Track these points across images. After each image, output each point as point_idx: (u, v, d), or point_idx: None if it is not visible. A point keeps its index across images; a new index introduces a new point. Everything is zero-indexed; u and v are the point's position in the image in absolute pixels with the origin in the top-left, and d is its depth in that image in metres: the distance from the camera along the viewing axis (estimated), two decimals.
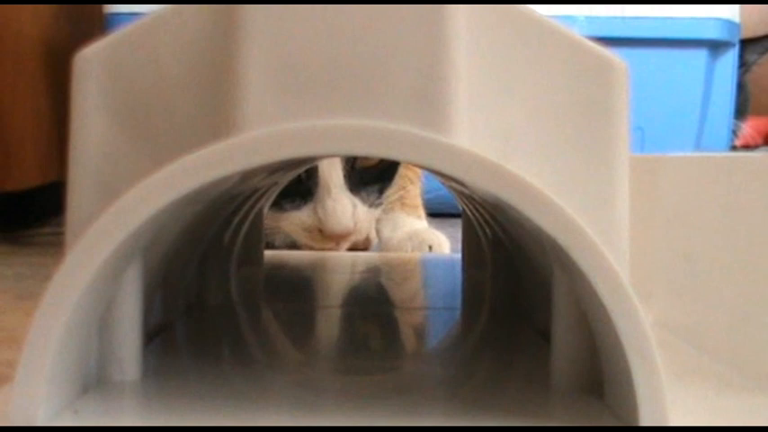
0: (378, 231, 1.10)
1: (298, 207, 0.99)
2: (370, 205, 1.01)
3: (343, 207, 0.97)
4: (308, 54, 0.33)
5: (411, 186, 1.12)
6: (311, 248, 0.99)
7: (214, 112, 0.34)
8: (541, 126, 0.35)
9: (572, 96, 0.35)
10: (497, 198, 0.31)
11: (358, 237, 1.00)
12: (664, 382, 0.31)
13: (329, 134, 0.31)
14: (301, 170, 0.87)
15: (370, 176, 1.01)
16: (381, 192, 1.03)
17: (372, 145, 0.30)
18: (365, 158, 1.00)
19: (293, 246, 1.01)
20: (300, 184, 0.96)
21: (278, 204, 0.98)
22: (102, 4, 1.43)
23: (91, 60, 0.36)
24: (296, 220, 0.99)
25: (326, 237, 0.97)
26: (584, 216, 0.31)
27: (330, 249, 0.98)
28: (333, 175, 0.97)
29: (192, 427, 0.32)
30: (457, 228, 0.79)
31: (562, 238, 0.31)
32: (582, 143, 0.35)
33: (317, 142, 0.31)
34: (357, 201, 0.99)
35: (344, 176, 0.98)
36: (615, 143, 0.36)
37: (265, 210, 0.78)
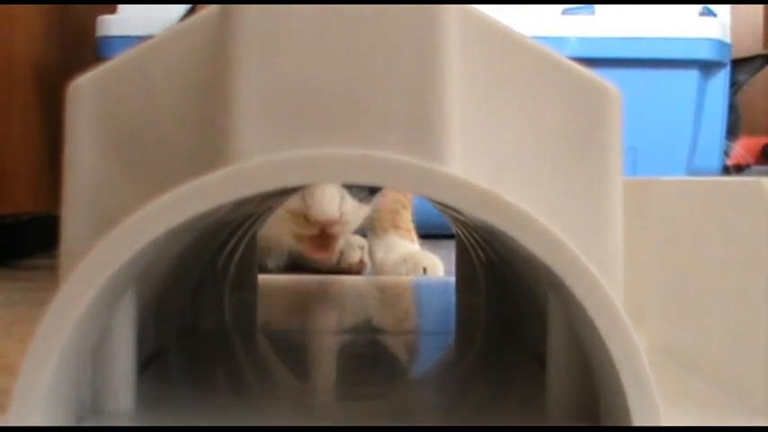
0: (371, 254, 1.10)
1: (288, 193, 0.98)
2: (360, 200, 0.99)
3: (330, 195, 0.95)
4: (301, 83, 0.33)
5: (403, 211, 1.12)
6: (298, 237, 0.98)
7: (207, 142, 0.34)
8: (534, 153, 0.35)
9: (565, 123, 0.35)
10: (491, 225, 0.31)
11: (343, 230, 0.98)
12: (658, 406, 0.31)
13: (322, 163, 0.31)
14: (295, 193, 0.87)
15: None
16: (372, 193, 1.02)
17: (366, 174, 0.31)
18: None
19: (286, 268, 1.01)
20: None
21: None
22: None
23: (84, 89, 0.36)
24: (284, 206, 0.98)
25: (311, 223, 0.96)
26: (577, 242, 0.31)
27: (315, 240, 0.97)
28: None
29: None
30: (450, 249, 0.79)
31: (555, 265, 0.31)
32: (575, 169, 0.35)
33: (310, 172, 0.31)
34: (345, 193, 0.98)
35: None
36: (608, 169, 0.36)
37: (259, 234, 0.78)
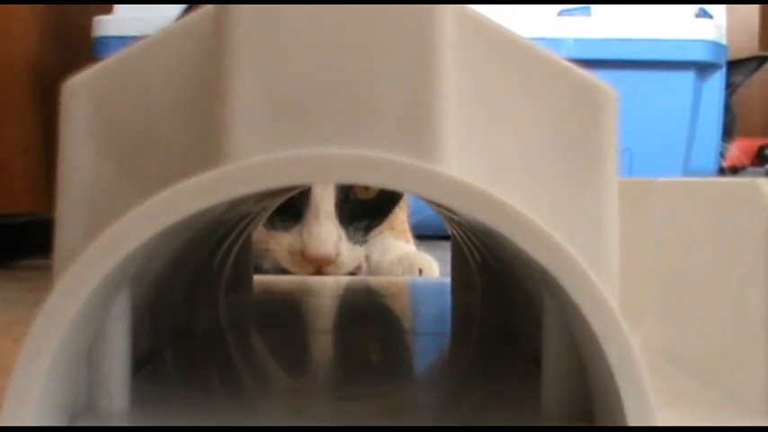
0: (367, 255, 1.10)
1: (287, 228, 0.99)
2: (355, 242, 1.00)
3: (327, 233, 0.96)
4: (297, 82, 0.33)
5: (399, 211, 1.12)
6: (293, 272, 0.99)
7: (202, 141, 0.34)
8: (531, 153, 0.35)
9: (561, 123, 0.35)
10: (486, 225, 0.31)
11: (338, 271, 0.99)
12: (653, 407, 0.31)
13: (318, 163, 0.30)
14: (292, 194, 0.87)
15: (363, 210, 1.01)
16: (369, 229, 1.03)
17: (361, 173, 0.30)
18: (361, 190, 1.00)
19: (282, 270, 1.01)
20: (293, 205, 0.96)
21: (270, 220, 0.98)
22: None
23: (79, 89, 0.36)
24: (282, 240, 0.99)
25: (307, 260, 0.97)
26: (573, 242, 0.31)
27: (310, 275, 0.98)
28: (324, 200, 0.97)
29: None
30: (446, 250, 0.79)
31: (551, 266, 0.31)
32: (571, 170, 0.35)
33: (305, 171, 0.30)
34: (343, 233, 0.99)
35: (336, 205, 0.98)
36: (604, 169, 0.36)
37: (254, 234, 0.78)
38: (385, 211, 1.06)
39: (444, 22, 0.33)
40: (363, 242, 1.02)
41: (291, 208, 0.97)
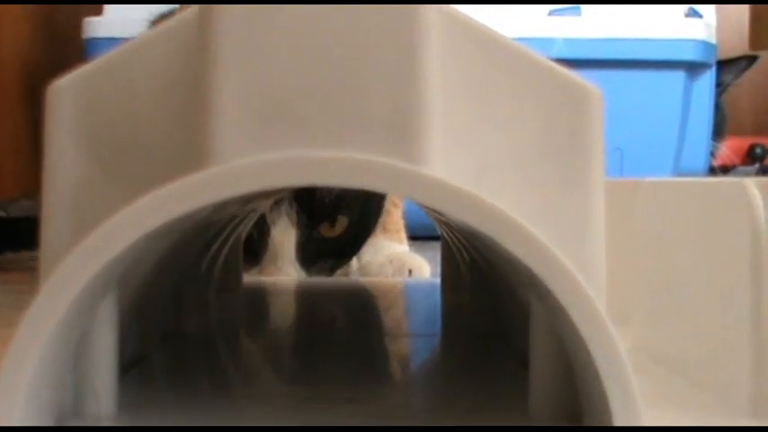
0: (358, 256, 1.10)
1: (244, 270, 0.94)
2: None
3: (286, 277, 0.92)
4: (282, 85, 0.33)
5: (393, 209, 1.12)
6: None
7: (187, 144, 0.33)
8: (516, 154, 0.35)
9: (547, 125, 0.35)
10: (474, 228, 0.31)
11: None
12: (641, 409, 0.31)
13: (302, 165, 0.30)
14: (281, 196, 0.86)
15: (327, 249, 0.97)
16: (333, 269, 0.99)
17: (346, 176, 0.30)
18: (326, 228, 0.95)
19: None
20: (250, 248, 0.91)
21: None
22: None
23: (64, 91, 0.36)
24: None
25: None
26: (559, 244, 0.31)
27: None
28: (284, 243, 0.93)
29: None
30: (437, 251, 0.79)
31: (537, 268, 0.31)
32: (557, 171, 0.35)
33: (290, 174, 0.30)
34: (304, 275, 0.95)
35: (298, 246, 0.93)
36: (590, 170, 0.36)
37: (243, 235, 0.77)
38: (351, 250, 1.01)
39: (429, 23, 0.33)
40: None
41: (248, 251, 0.91)
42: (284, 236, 0.93)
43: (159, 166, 0.34)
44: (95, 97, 0.36)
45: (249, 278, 0.91)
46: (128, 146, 0.35)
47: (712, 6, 1.60)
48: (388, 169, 0.30)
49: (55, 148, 0.36)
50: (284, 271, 0.92)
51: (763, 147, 2.11)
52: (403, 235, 1.15)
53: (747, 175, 1.88)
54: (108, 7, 1.50)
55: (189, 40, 0.34)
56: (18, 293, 0.87)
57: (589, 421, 0.34)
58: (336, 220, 0.94)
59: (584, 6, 1.55)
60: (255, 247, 0.93)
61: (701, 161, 1.64)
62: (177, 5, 1.08)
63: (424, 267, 1.04)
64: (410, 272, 1.03)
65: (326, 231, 0.96)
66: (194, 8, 0.34)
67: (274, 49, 0.33)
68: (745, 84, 1.92)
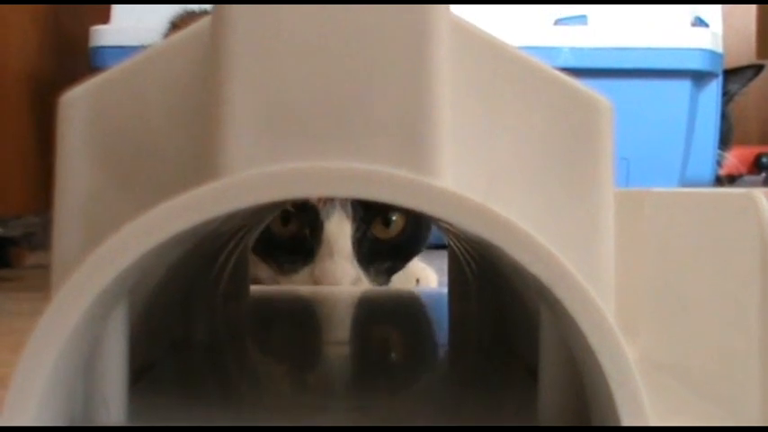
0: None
1: (296, 269, 0.90)
2: (380, 283, 0.92)
3: (343, 272, 0.87)
4: (293, 96, 0.33)
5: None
6: None
7: (199, 154, 0.34)
8: (526, 165, 0.35)
9: (556, 135, 0.36)
10: (482, 238, 0.31)
11: None
12: (650, 420, 0.31)
13: (314, 177, 0.31)
14: (286, 206, 0.85)
15: (383, 251, 0.92)
16: (391, 272, 0.94)
17: (357, 187, 0.31)
18: (380, 229, 0.91)
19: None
20: (302, 244, 0.89)
21: (277, 262, 0.90)
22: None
23: (76, 102, 0.36)
24: (291, 282, 0.90)
25: None
26: (569, 254, 0.31)
27: None
28: (339, 237, 0.88)
29: None
30: (444, 260, 0.79)
31: (547, 278, 0.31)
32: (566, 182, 0.36)
33: (301, 185, 0.31)
34: (363, 275, 0.90)
35: (354, 243, 0.89)
36: (600, 181, 0.36)
37: (250, 244, 0.77)
38: (407, 252, 0.96)
39: (439, 33, 0.33)
40: (387, 282, 0.94)
41: (301, 247, 0.89)
42: (340, 229, 0.88)
43: (171, 177, 0.35)
44: (107, 108, 0.36)
45: (302, 279, 0.88)
46: (139, 157, 0.35)
47: (719, 15, 1.60)
48: (399, 180, 0.30)
49: (66, 160, 0.36)
50: (341, 267, 0.87)
51: None
52: None
53: (754, 184, 1.88)
54: (115, 15, 1.51)
55: (201, 52, 0.34)
56: (23, 301, 0.87)
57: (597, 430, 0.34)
58: (390, 219, 0.91)
59: (590, 15, 1.55)
60: (308, 245, 0.89)
61: (708, 170, 1.64)
62: (193, 5, 1.07)
63: (431, 277, 1.04)
64: (417, 281, 1.03)
65: (381, 233, 0.91)
66: (206, 20, 0.35)
67: (286, 61, 0.33)
68: (751, 93, 1.91)
